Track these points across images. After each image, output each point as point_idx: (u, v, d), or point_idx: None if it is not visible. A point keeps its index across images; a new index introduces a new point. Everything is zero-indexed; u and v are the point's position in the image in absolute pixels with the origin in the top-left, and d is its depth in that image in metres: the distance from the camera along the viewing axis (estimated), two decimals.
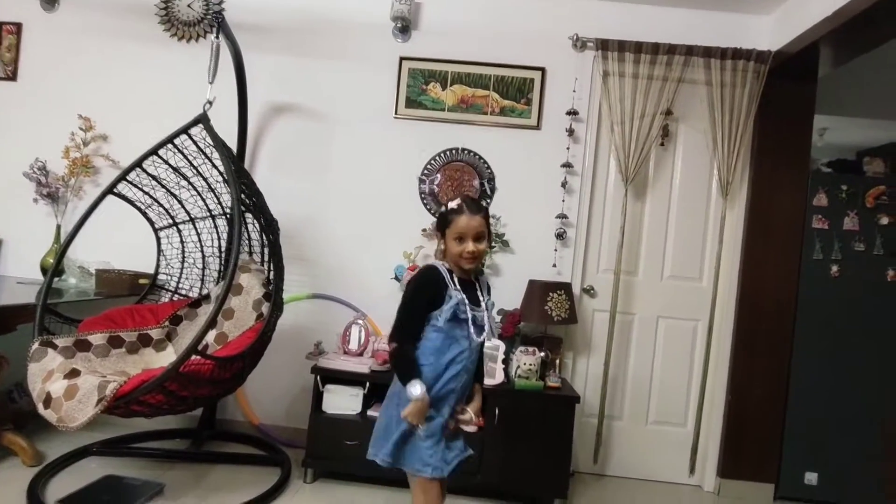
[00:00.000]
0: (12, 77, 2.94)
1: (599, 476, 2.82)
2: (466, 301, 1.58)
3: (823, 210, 2.75)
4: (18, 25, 2.94)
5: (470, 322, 1.58)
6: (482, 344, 1.68)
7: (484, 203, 1.62)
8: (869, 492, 2.69)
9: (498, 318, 2.65)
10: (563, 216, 2.80)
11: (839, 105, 3.24)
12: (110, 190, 2.28)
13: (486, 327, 1.64)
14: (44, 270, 2.69)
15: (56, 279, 2.21)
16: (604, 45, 2.73)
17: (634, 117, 2.72)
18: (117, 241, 2.77)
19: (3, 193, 2.89)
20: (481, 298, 1.66)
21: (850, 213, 2.74)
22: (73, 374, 1.88)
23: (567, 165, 2.80)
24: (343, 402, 2.44)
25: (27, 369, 1.93)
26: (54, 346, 2.00)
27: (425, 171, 2.87)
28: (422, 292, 1.59)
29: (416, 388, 1.50)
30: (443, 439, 1.59)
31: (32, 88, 2.94)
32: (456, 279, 1.60)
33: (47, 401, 1.81)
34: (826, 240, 2.74)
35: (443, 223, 1.61)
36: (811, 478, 2.70)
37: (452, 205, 1.59)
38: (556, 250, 2.81)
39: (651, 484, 2.79)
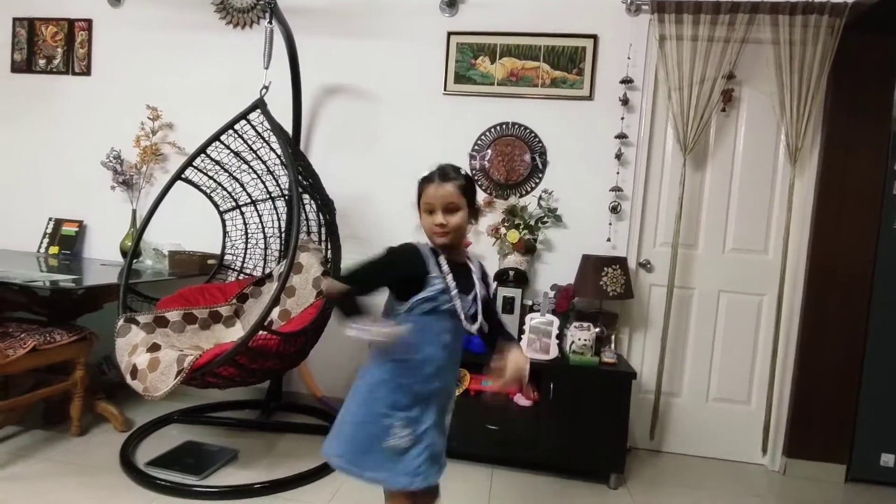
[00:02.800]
0: (87, 72, 3.14)
1: (656, 452, 2.79)
2: (453, 288, 1.37)
3: None
4: (89, 22, 3.12)
5: (459, 311, 1.38)
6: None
7: (464, 171, 1.43)
8: None
9: (552, 294, 2.64)
10: (617, 189, 2.74)
11: None
12: (178, 175, 2.41)
13: (479, 318, 1.43)
14: (123, 253, 2.90)
15: (134, 261, 2.39)
16: (660, 7, 2.61)
17: (694, 83, 2.59)
18: (186, 224, 2.93)
19: (85, 182, 3.11)
20: (476, 283, 1.44)
21: None
22: (155, 347, 2.03)
23: (621, 136, 2.71)
24: None
25: (115, 344, 2.11)
26: (137, 323, 2.17)
27: (476, 147, 2.87)
28: (390, 264, 1.38)
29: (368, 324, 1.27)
30: (430, 447, 1.38)
31: (105, 82, 3.13)
32: (444, 261, 1.39)
33: (133, 372, 1.98)
34: None
35: (418, 195, 1.43)
36: (888, 459, 2.57)
37: (425, 173, 1.42)
38: (610, 224, 2.75)
39: (711, 461, 2.74)
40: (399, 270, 1.38)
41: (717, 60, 2.57)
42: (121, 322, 2.13)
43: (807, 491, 2.50)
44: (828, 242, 2.60)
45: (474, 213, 1.46)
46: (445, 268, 1.38)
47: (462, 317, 1.39)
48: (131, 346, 2.05)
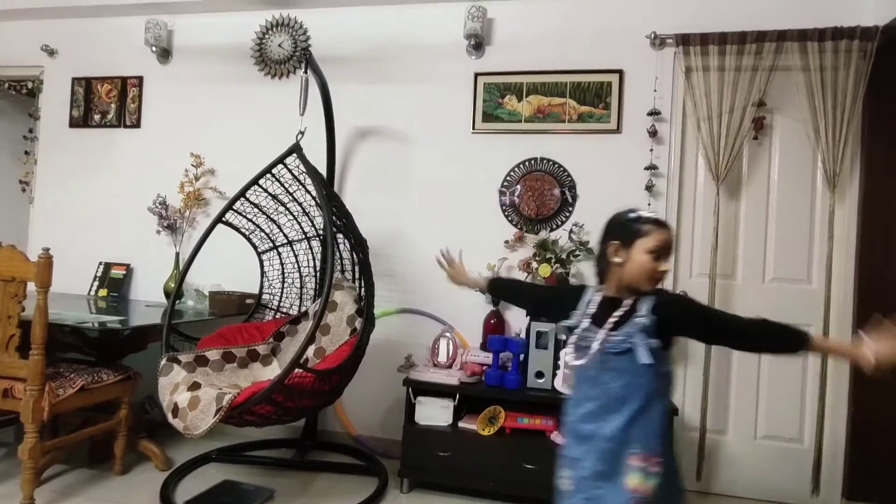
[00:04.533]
0: (136, 125, 3.35)
1: (705, 494, 2.66)
2: (588, 325, 1.38)
3: None
4: (140, 79, 3.35)
5: (579, 344, 1.39)
6: (637, 368, 1.32)
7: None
8: None
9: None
10: None
11: None
12: (219, 219, 2.51)
13: (592, 349, 1.36)
14: (167, 294, 3.01)
15: (177, 301, 2.48)
16: (684, 41, 2.63)
17: (723, 112, 2.58)
18: (226, 265, 3.04)
19: (132, 227, 3.28)
20: (612, 318, 1.36)
21: None
22: (195, 386, 2.08)
23: (651, 167, 2.71)
24: (434, 413, 2.49)
25: (157, 383, 2.17)
26: (178, 362, 2.23)
27: (505, 183, 2.90)
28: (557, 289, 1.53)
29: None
30: (590, 501, 1.33)
31: (152, 133, 3.33)
32: (598, 297, 1.42)
33: (175, 411, 2.02)
34: None
35: (630, 232, 1.37)
36: None
37: (646, 214, 1.39)
38: None
39: (761, 503, 2.59)
40: (561, 298, 1.52)
41: (746, 89, 2.56)
42: (163, 361, 2.20)
43: None
44: (875, 269, 2.50)
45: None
46: (592, 306, 1.42)
47: (575, 346, 1.40)
48: (173, 385, 2.11)
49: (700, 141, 2.63)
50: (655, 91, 2.72)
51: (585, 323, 1.40)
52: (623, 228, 1.40)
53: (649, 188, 2.72)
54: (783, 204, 2.66)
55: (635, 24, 2.75)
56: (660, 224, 1.38)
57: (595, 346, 1.36)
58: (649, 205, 2.71)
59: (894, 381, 2.42)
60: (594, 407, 1.36)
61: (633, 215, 1.40)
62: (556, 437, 2.37)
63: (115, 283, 3.21)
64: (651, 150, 2.72)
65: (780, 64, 2.56)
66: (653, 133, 2.71)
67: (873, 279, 2.49)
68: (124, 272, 3.24)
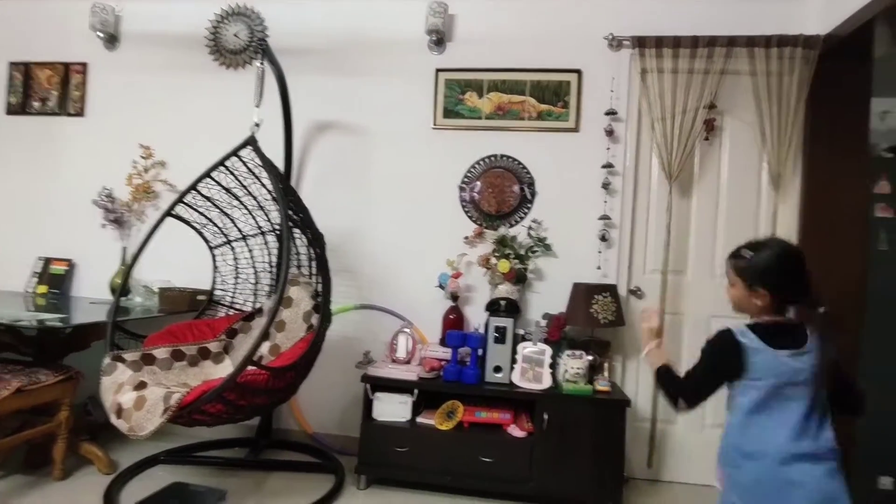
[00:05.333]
0: (80, 113, 3.19)
1: (654, 482, 2.74)
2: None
3: (887, 198, 2.58)
4: (84, 65, 3.19)
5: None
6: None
7: (746, 253, 1.52)
8: None
9: (544, 323, 2.63)
10: (605, 217, 2.77)
11: None
12: (169, 212, 2.42)
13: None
14: (112, 290, 2.88)
15: (123, 298, 2.37)
16: (640, 43, 2.70)
17: (676, 113, 2.66)
18: (177, 261, 2.93)
19: (75, 220, 3.12)
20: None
21: None
22: (141, 386, 2.00)
23: (608, 166, 2.76)
24: (392, 409, 2.48)
25: (100, 383, 2.08)
26: (123, 361, 2.14)
27: (465, 179, 2.90)
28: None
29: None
30: None
31: (98, 122, 3.18)
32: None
33: (119, 411, 1.94)
34: (893, 229, 2.57)
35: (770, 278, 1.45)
36: (886, 482, 2.53)
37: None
38: (600, 252, 2.77)
39: (709, 489, 2.66)
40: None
41: (698, 91, 2.65)
42: (107, 360, 2.10)
43: None
44: (815, 266, 2.60)
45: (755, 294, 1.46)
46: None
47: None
48: (117, 385, 2.02)
49: (654, 140, 2.70)
50: (612, 91, 2.78)
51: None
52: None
53: (605, 186, 2.77)
54: (732, 202, 2.77)
55: (594, 25, 2.80)
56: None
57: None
58: (605, 202, 2.77)
59: None
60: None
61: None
62: (512, 429, 2.39)
63: (55, 280, 3.05)
64: (608, 148, 2.78)
65: (729, 68, 2.65)
66: (609, 132, 2.77)
67: (814, 276, 2.61)
68: (66, 268, 3.08)
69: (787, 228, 2.67)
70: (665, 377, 1.50)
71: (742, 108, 2.72)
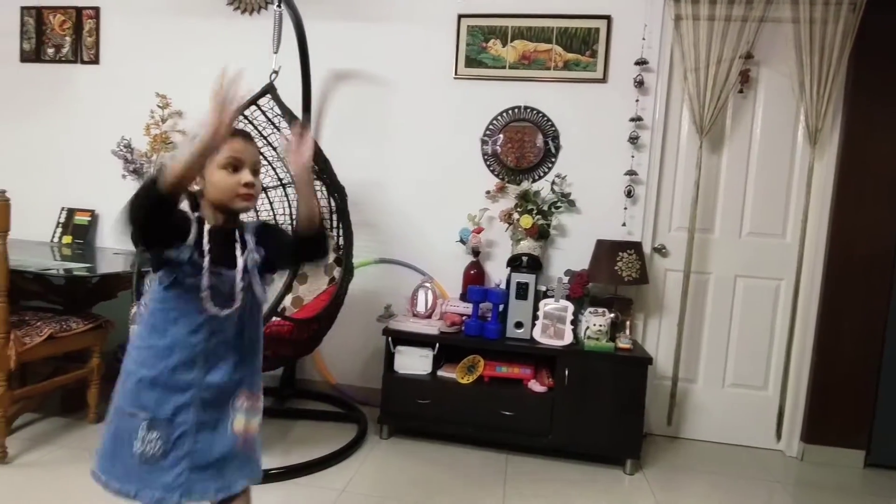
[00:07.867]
0: (95, 60, 3.12)
1: (673, 438, 2.77)
2: (207, 263, 1.13)
3: None
4: (97, 10, 3.10)
5: (205, 288, 1.13)
6: (251, 310, 1.24)
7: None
8: None
9: (566, 279, 2.61)
10: (632, 173, 2.69)
11: None
12: None
13: (237, 295, 1.17)
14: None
15: None
16: None
17: (710, 63, 2.54)
18: None
19: (96, 171, 3.11)
20: (238, 256, 1.19)
21: None
22: None
23: (636, 119, 2.67)
24: (413, 362, 2.50)
25: (129, 331, 2.11)
26: None
27: (487, 132, 2.83)
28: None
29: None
30: (191, 455, 1.16)
31: (114, 70, 3.11)
32: (206, 229, 1.15)
33: None
34: None
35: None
36: None
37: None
38: (625, 209, 2.72)
39: (728, 447, 2.72)
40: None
41: (735, 40, 2.51)
42: (134, 309, 2.13)
43: (826, 476, 2.48)
44: (848, 225, 2.55)
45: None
46: (205, 238, 1.14)
47: (204, 295, 1.14)
48: None
49: (686, 92, 2.60)
50: (644, 39, 2.65)
51: (205, 262, 1.13)
52: None
53: (633, 140, 2.69)
54: (764, 158, 2.67)
55: None
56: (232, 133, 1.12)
57: (238, 292, 1.18)
58: (632, 157, 2.70)
59: (858, 333, 2.53)
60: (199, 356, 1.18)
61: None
62: (533, 384, 2.41)
63: (79, 230, 3.07)
64: (637, 100, 2.67)
65: (770, 15, 2.51)
66: (639, 83, 2.66)
67: (845, 235, 2.55)
68: (89, 218, 3.09)
69: (822, 185, 2.58)
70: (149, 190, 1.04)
71: (780, 58, 2.59)
